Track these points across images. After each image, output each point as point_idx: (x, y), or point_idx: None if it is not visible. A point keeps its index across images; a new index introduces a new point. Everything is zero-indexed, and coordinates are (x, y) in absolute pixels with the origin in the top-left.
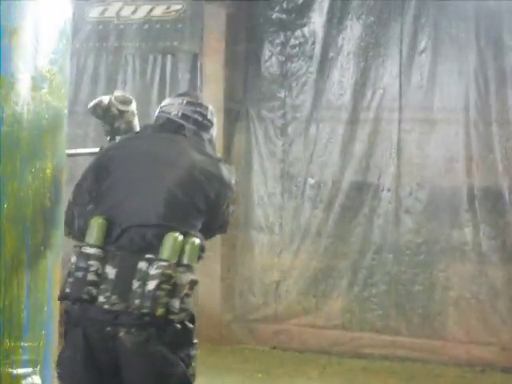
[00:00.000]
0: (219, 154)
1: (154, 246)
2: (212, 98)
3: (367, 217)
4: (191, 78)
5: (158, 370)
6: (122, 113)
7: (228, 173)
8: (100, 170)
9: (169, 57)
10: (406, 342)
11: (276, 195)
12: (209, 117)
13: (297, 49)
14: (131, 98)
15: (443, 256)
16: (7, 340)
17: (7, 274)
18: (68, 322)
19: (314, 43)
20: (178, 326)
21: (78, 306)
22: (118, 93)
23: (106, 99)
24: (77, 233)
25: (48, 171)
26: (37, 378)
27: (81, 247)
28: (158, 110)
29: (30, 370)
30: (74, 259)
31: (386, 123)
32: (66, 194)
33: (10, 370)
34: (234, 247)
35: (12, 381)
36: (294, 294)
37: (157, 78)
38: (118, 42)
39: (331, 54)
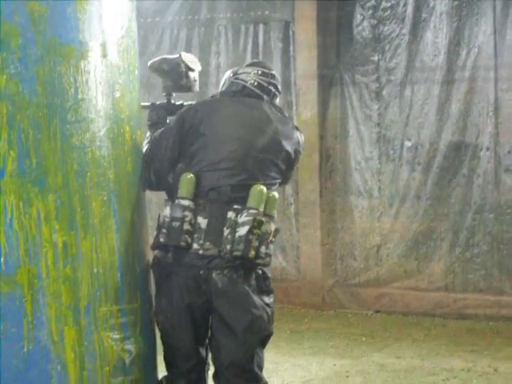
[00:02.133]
0: (286, 114)
1: (240, 198)
2: (305, 65)
3: (466, 177)
4: (284, 47)
5: (245, 307)
6: (190, 71)
7: (300, 134)
8: (188, 130)
9: (261, 26)
10: (510, 301)
11: (373, 159)
12: (279, 88)
13: (388, 11)
14: (197, 60)
15: None
16: (104, 304)
17: (97, 240)
18: (161, 270)
19: (405, 5)
20: (260, 271)
21: (171, 255)
22: (185, 53)
23: (173, 57)
24: (153, 184)
25: (126, 135)
26: (138, 339)
27: (174, 200)
28: (231, 76)
29: (130, 331)
30: (167, 211)
31: (482, 82)
32: None
33: (110, 333)
34: (333, 212)
35: (113, 344)
36: (395, 257)
37: (249, 48)
38: (209, 13)
39: (424, 15)
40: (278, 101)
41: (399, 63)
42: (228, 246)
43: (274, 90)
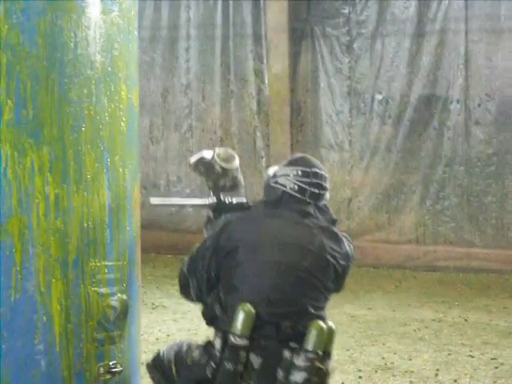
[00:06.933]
0: (334, 216)
1: (298, 334)
2: (276, 18)
3: (437, 130)
4: (254, 0)
5: None
6: (225, 171)
7: (349, 244)
8: (225, 257)
9: None
10: (480, 253)
11: (344, 112)
12: (324, 185)
13: None
14: (234, 153)
15: None
16: (92, 259)
17: (89, 195)
18: None
19: None
20: None
21: None
22: (220, 150)
23: (208, 155)
24: (194, 299)
25: (122, 93)
26: (124, 295)
27: (228, 335)
28: (270, 180)
29: (116, 287)
30: (219, 345)
31: (452, 34)
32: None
33: (96, 288)
34: None
35: (99, 299)
36: (366, 210)
37: (220, 2)
38: None
39: None
40: (327, 196)
41: (370, 16)
42: None
43: (317, 190)
